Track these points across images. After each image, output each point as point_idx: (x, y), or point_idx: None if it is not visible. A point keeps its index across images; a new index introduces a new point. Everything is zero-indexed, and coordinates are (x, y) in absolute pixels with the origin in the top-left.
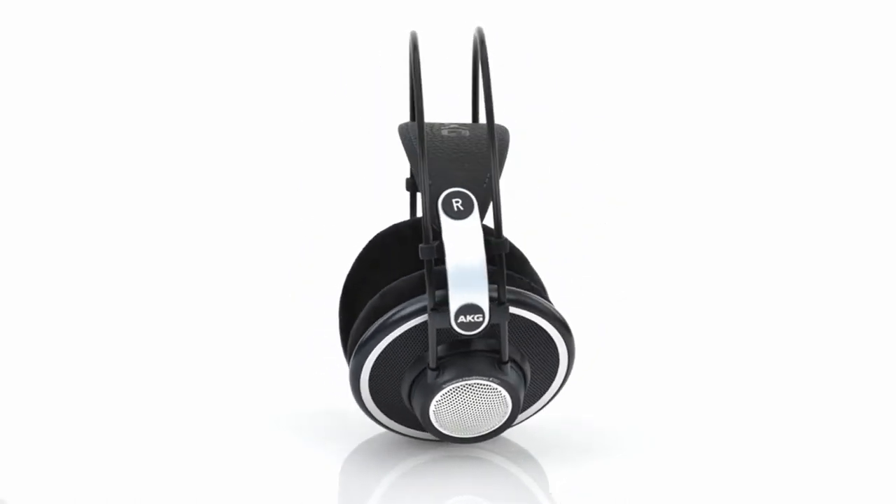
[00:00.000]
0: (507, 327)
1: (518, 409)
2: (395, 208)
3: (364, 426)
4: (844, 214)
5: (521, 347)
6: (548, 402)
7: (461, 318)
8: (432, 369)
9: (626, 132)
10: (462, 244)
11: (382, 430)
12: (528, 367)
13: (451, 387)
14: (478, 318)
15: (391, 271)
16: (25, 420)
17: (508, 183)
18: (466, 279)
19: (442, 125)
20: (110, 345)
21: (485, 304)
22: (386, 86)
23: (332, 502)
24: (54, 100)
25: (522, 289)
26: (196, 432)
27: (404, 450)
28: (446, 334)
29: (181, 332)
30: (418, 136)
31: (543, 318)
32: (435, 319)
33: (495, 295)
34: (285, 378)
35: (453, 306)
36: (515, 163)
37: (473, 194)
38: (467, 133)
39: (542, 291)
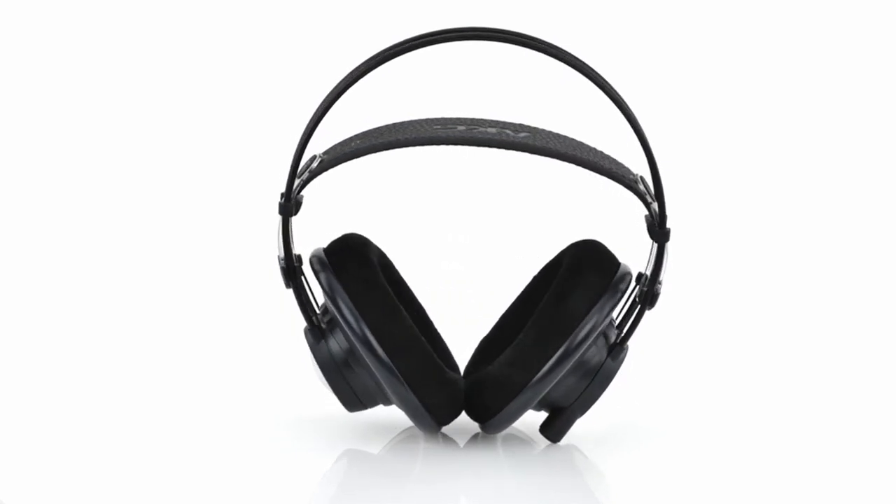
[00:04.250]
0: (301, 291)
1: (331, 380)
2: (396, 207)
3: (363, 426)
4: (843, 213)
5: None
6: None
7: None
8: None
9: (625, 132)
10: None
11: (382, 430)
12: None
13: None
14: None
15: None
16: (24, 420)
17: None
18: (278, 234)
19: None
20: (110, 345)
21: (281, 261)
22: (386, 86)
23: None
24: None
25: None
26: (194, 432)
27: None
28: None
29: (181, 332)
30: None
31: (333, 304)
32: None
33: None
34: (284, 378)
35: (279, 256)
36: (514, 164)
37: (328, 157)
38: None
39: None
